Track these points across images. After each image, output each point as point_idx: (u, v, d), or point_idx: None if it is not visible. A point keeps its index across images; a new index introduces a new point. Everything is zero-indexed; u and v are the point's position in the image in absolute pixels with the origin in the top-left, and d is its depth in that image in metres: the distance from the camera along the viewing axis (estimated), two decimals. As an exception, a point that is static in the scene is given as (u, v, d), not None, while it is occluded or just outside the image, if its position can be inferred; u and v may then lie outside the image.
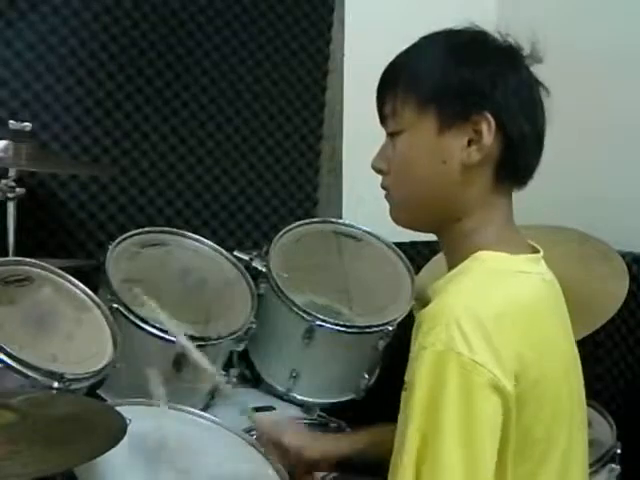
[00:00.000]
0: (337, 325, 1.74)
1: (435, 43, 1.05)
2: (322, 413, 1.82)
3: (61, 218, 1.98)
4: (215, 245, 1.86)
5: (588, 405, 1.14)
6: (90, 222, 2.02)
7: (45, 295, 1.49)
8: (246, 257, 1.87)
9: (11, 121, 1.68)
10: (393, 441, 0.97)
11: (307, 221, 2.01)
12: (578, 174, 2.23)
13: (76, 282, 1.54)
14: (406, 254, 1.97)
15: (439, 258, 1.79)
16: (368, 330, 1.78)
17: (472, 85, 1.00)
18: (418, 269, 1.94)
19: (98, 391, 1.51)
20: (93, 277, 1.67)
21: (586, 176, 2.24)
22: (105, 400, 1.50)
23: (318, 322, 1.73)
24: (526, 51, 1.04)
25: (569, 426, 1.03)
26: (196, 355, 1.40)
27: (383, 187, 1.09)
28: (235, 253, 1.87)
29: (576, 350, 1.11)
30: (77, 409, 1.21)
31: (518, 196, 1.08)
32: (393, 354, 1.81)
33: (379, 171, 1.08)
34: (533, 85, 1.04)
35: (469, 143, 1.00)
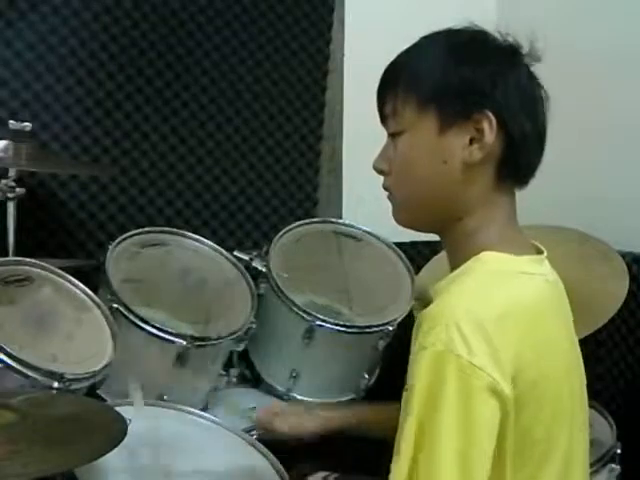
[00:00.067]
0: (337, 325, 1.74)
1: (435, 43, 1.05)
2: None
3: (61, 218, 1.98)
4: (215, 245, 1.86)
5: (589, 406, 1.14)
6: (90, 222, 2.02)
7: (45, 295, 1.49)
8: (246, 257, 1.87)
9: (11, 121, 1.68)
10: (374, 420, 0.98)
11: (307, 221, 2.01)
12: (578, 174, 2.23)
13: (76, 282, 1.54)
14: (406, 254, 1.97)
15: (439, 258, 1.80)
16: (368, 330, 1.78)
17: (472, 84, 1.00)
18: (418, 269, 1.94)
19: (98, 391, 1.51)
20: (93, 277, 1.67)
21: (586, 176, 2.24)
22: (105, 400, 1.50)
23: (318, 322, 1.72)
24: (525, 50, 1.04)
25: (570, 426, 1.03)
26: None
27: (385, 188, 1.09)
28: (235, 253, 1.87)
29: (579, 350, 1.11)
30: (77, 409, 1.21)
31: (518, 196, 1.08)
32: (393, 354, 1.81)
33: (381, 172, 1.09)
34: (534, 83, 1.04)
35: (471, 142, 1.00)
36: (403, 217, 1.09)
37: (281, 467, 1.35)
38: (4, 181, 1.64)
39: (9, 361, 1.27)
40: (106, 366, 1.42)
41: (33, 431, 1.06)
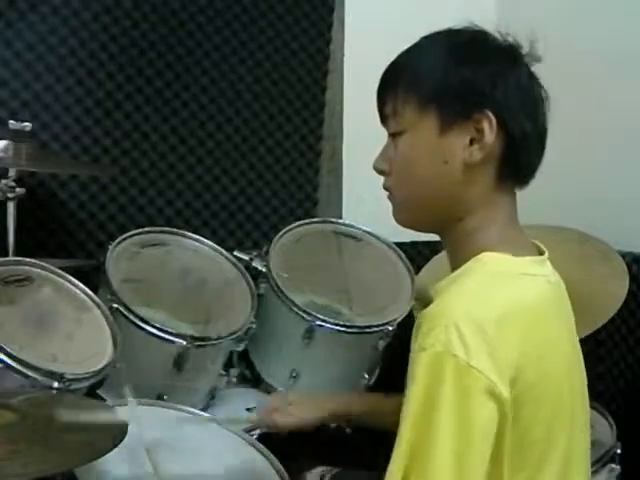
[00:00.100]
0: (337, 325, 1.74)
1: (436, 43, 1.05)
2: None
3: (61, 218, 1.98)
4: (215, 245, 1.86)
5: (590, 406, 1.14)
6: (90, 222, 2.02)
7: (45, 295, 1.49)
8: (246, 257, 1.87)
9: (11, 121, 1.68)
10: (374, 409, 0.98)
11: (307, 221, 2.01)
12: (578, 174, 2.23)
13: (76, 282, 1.54)
14: (406, 254, 1.97)
15: (439, 258, 1.80)
16: (368, 330, 1.78)
17: (473, 85, 1.00)
18: (418, 269, 1.94)
19: (98, 391, 1.51)
20: (93, 277, 1.67)
21: (586, 176, 2.24)
22: (105, 400, 1.49)
23: (318, 322, 1.72)
24: (525, 50, 1.05)
25: (570, 426, 1.03)
26: None
27: (385, 188, 1.09)
28: (235, 253, 1.87)
29: (580, 351, 1.11)
30: (77, 409, 1.21)
31: (518, 196, 1.08)
32: (393, 354, 1.81)
33: (381, 172, 1.09)
34: (534, 84, 1.04)
35: (471, 142, 1.00)
36: (403, 217, 1.09)
37: (281, 467, 1.35)
38: (4, 181, 1.64)
39: (9, 361, 1.27)
40: (106, 366, 1.42)
41: (33, 431, 1.06)
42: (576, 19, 2.26)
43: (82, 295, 1.54)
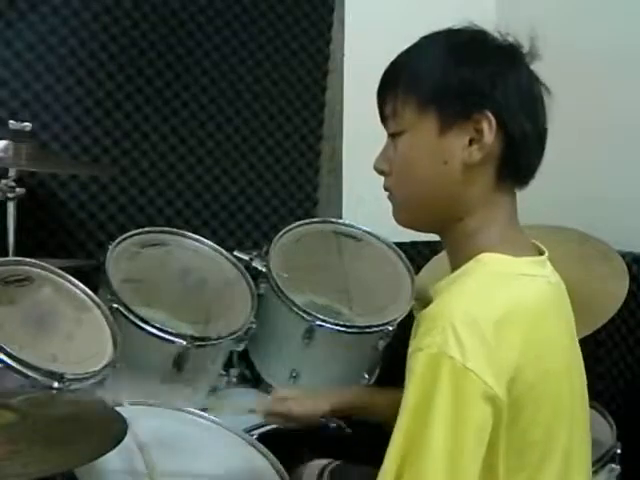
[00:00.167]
0: (337, 325, 1.74)
1: (435, 43, 1.05)
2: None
3: (61, 218, 1.98)
4: (215, 245, 1.86)
5: (590, 406, 1.14)
6: (90, 222, 2.02)
7: (45, 295, 1.49)
8: (246, 257, 1.87)
9: (11, 121, 1.68)
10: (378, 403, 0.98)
11: (307, 221, 2.01)
12: (578, 174, 2.23)
13: (76, 282, 1.54)
14: (406, 254, 1.97)
15: (439, 258, 1.80)
16: (368, 330, 1.78)
17: (472, 85, 1.00)
18: (418, 269, 1.94)
19: (98, 391, 1.51)
20: (93, 277, 1.67)
21: (586, 176, 2.24)
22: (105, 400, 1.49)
23: (318, 322, 1.72)
24: (525, 49, 1.04)
25: (570, 427, 1.03)
26: None
27: (385, 188, 1.09)
28: (235, 253, 1.87)
29: (580, 352, 1.11)
30: (77, 409, 1.21)
31: (518, 196, 1.08)
32: (393, 354, 1.81)
33: (381, 172, 1.09)
34: (534, 83, 1.04)
35: (470, 142, 1.00)
36: (403, 217, 1.09)
37: (281, 467, 1.35)
38: (4, 181, 1.64)
39: (9, 361, 1.27)
40: (106, 366, 1.42)
41: (33, 431, 1.06)
42: (576, 19, 2.26)
43: (82, 295, 1.54)
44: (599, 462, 1.62)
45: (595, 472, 1.60)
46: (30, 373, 1.29)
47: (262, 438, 1.47)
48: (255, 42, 2.21)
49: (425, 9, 2.31)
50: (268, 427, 1.56)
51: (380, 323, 1.78)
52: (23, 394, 1.19)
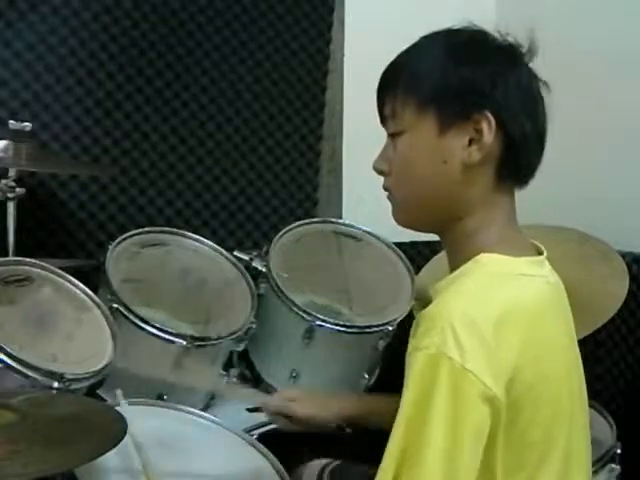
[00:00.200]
0: (337, 325, 1.74)
1: (435, 43, 1.05)
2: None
3: (61, 218, 1.98)
4: (215, 245, 1.86)
5: (588, 405, 1.14)
6: (90, 222, 2.02)
7: (45, 295, 1.49)
8: (246, 257, 1.87)
9: (11, 121, 1.68)
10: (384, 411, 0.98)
11: (307, 221, 2.01)
12: (578, 174, 2.23)
13: (76, 282, 1.54)
14: (406, 254, 1.97)
15: (439, 258, 1.80)
16: (368, 330, 1.78)
17: (472, 85, 1.00)
18: (418, 269, 1.94)
19: (98, 391, 1.51)
20: (93, 277, 1.67)
21: (586, 176, 2.24)
22: (105, 400, 1.50)
23: (318, 322, 1.72)
24: (524, 48, 1.04)
25: (569, 427, 1.03)
26: None
27: (385, 188, 1.09)
28: (235, 253, 1.87)
29: (578, 352, 1.11)
30: (77, 409, 1.21)
31: (518, 196, 1.08)
32: (393, 354, 1.81)
33: (380, 172, 1.08)
34: (533, 83, 1.04)
35: (470, 142, 1.00)
36: (403, 217, 1.09)
37: (281, 467, 1.35)
38: (4, 181, 1.64)
39: (9, 361, 1.27)
40: (106, 366, 1.42)
41: (33, 431, 1.06)
42: (576, 19, 2.26)
43: (82, 295, 1.54)
44: (599, 462, 1.62)
45: (595, 472, 1.60)
46: (30, 373, 1.29)
47: (262, 438, 1.47)
48: (255, 42, 2.21)
49: (425, 9, 2.31)
50: (268, 427, 1.56)
51: (380, 323, 1.78)
52: (23, 394, 1.19)
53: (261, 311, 1.77)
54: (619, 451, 1.68)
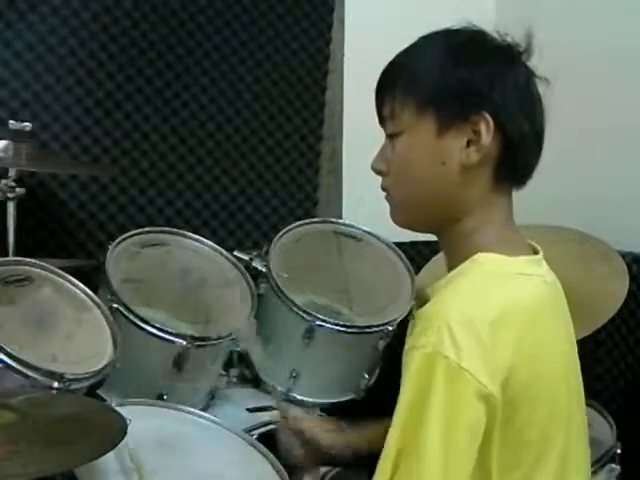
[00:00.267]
0: (337, 325, 1.74)
1: (434, 43, 1.05)
2: (322, 413, 1.82)
3: (61, 218, 1.98)
4: (215, 245, 1.86)
5: (588, 405, 1.14)
6: (90, 222, 2.02)
7: (45, 295, 1.49)
8: (246, 257, 1.86)
9: (11, 121, 1.68)
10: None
11: (307, 221, 2.01)
12: (578, 174, 2.23)
13: (76, 282, 1.54)
14: (406, 254, 1.97)
15: (439, 258, 1.79)
16: (368, 330, 1.78)
17: (470, 86, 1.00)
18: (418, 269, 1.94)
19: (98, 391, 1.51)
20: (93, 277, 1.67)
21: (586, 176, 2.24)
22: (105, 400, 1.50)
23: (318, 322, 1.72)
24: (522, 47, 1.04)
25: (567, 426, 1.03)
26: None
27: (383, 188, 1.09)
28: (235, 253, 1.87)
29: (576, 352, 1.11)
30: (77, 409, 1.21)
31: (517, 196, 1.08)
32: (393, 354, 1.81)
33: (379, 172, 1.09)
34: (532, 84, 1.04)
35: (468, 144, 1.00)
36: (401, 218, 1.09)
37: (281, 467, 1.35)
38: (4, 181, 1.65)
39: (9, 361, 1.27)
40: (106, 366, 1.42)
41: (33, 431, 1.06)
42: (576, 19, 2.26)
43: (82, 295, 1.54)
44: (599, 462, 1.63)
45: (595, 472, 1.60)
46: (30, 373, 1.28)
47: (262, 438, 1.47)
48: (255, 42, 2.21)
49: (425, 9, 2.32)
50: (268, 427, 1.56)
51: (380, 323, 1.78)
52: (23, 394, 1.19)
53: (261, 311, 1.77)
54: (619, 451, 1.68)
